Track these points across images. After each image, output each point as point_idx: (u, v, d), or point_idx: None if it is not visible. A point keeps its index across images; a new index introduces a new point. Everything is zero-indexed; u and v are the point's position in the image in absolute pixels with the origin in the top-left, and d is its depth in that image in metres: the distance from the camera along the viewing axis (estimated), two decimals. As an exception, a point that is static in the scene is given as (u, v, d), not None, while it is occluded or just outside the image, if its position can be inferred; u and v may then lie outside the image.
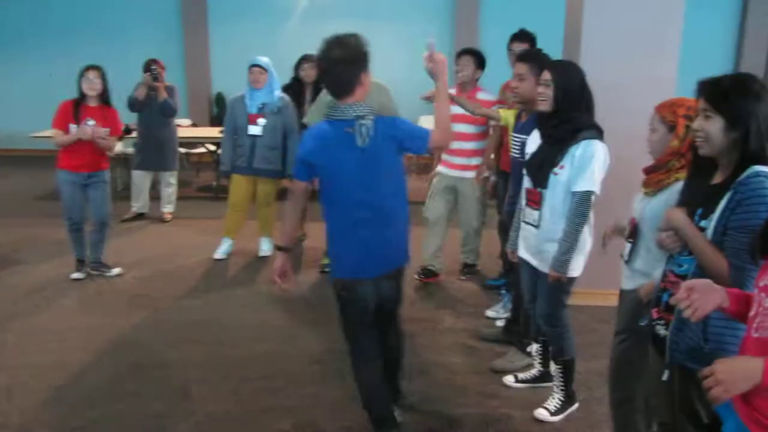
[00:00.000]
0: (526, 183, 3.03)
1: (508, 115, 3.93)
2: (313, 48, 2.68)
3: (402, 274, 2.88)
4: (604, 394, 2.90)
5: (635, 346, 2.45)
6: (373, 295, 2.72)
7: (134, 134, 6.63)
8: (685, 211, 1.93)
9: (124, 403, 3.29)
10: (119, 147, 7.30)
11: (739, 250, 1.76)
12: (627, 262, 2.47)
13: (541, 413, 3.16)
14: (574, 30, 4.31)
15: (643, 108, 2.54)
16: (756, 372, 1.42)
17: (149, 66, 6.22)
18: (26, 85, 10.25)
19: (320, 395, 3.37)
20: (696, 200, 1.94)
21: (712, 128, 1.85)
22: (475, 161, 4.67)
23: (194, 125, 9.24)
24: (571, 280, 2.96)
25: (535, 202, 2.94)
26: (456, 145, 4.56)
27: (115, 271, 5.07)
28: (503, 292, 4.39)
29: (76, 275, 4.96)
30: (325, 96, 3.93)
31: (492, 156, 4.71)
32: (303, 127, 4.91)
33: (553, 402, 3.17)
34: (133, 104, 6.21)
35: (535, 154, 3.00)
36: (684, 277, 1.92)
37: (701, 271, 1.86)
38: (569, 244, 2.82)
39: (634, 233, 2.42)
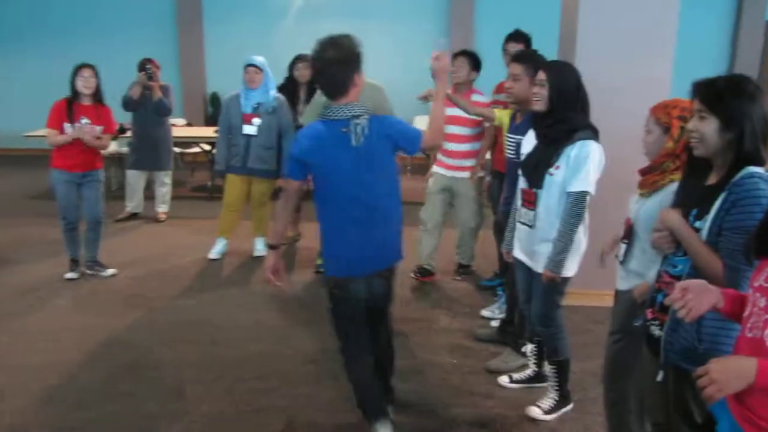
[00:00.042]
0: (522, 183, 3.04)
1: (502, 116, 3.94)
2: (308, 48, 2.68)
3: (394, 273, 2.88)
4: (598, 395, 2.91)
5: (630, 347, 2.45)
6: (365, 293, 2.73)
7: (129, 134, 6.62)
8: (680, 212, 1.94)
9: (118, 403, 3.28)
10: (114, 146, 7.31)
11: (733, 250, 1.77)
12: (622, 262, 2.48)
13: (533, 411, 3.16)
14: (569, 30, 4.32)
15: (638, 108, 2.55)
16: (750, 371, 1.43)
17: (144, 65, 6.21)
18: (22, 84, 10.20)
19: (314, 395, 3.37)
20: (691, 201, 1.94)
21: (707, 129, 1.86)
22: (470, 162, 4.68)
23: (189, 125, 9.23)
24: (566, 280, 2.96)
25: (531, 202, 2.94)
26: (451, 146, 4.57)
27: (110, 271, 5.06)
28: (500, 292, 4.39)
29: (70, 275, 4.94)
30: (320, 97, 3.93)
31: (487, 156, 4.72)
32: (299, 128, 4.90)
33: (547, 401, 3.18)
34: (128, 103, 6.19)
35: (530, 155, 3.00)
36: (679, 278, 1.92)
37: (696, 272, 1.87)
38: (564, 244, 2.83)
39: (629, 234, 2.43)
